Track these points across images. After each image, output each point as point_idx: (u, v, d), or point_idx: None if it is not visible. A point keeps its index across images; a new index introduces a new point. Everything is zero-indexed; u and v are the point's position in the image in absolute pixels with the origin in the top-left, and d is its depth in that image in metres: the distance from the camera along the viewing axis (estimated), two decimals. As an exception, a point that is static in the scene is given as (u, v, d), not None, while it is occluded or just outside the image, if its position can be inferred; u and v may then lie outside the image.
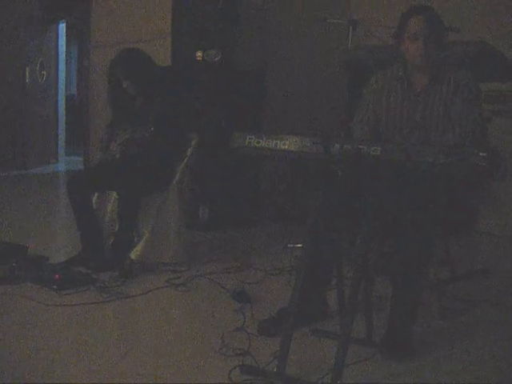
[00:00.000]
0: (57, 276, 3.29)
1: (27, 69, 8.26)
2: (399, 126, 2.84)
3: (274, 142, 2.34)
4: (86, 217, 3.72)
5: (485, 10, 4.62)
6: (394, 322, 2.65)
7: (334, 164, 2.29)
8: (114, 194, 3.81)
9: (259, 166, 5.18)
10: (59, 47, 9.09)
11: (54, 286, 3.24)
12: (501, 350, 2.68)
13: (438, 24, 2.76)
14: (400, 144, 2.24)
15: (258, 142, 2.37)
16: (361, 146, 2.20)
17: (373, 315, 2.58)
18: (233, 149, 2.44)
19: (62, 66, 9.21)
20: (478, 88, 2.79)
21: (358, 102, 2.99)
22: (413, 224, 2.58)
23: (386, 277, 2.82)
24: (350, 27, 4.36)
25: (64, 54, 9.29)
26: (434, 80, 2.79)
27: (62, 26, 9.05)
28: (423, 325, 2.83)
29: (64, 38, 9.18)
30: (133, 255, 3.64)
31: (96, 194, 3.87)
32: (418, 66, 2.79)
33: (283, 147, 2.33)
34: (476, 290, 3.38)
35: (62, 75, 9.22)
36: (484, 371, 2.48)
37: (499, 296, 3.34)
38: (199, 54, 4.86)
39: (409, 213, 2.57)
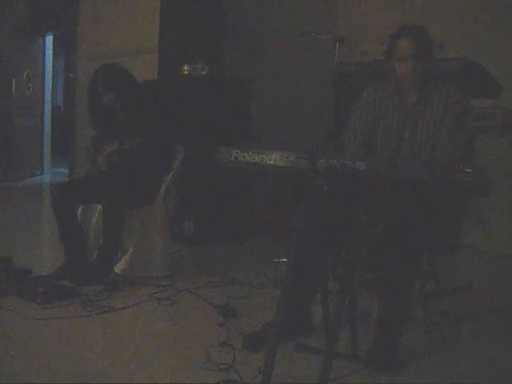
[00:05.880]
0: (40, 289, 3.26)
1: (14, 80, 8.24)
2: (388, 139, 2.89)
3: (260, 156, 2.35)
4: (70, 229, 3.70)
5: (468, 26, 4.67)
6: (381, 334, 2.65)
7: (319, 178, 2.30)
8: (99, 206, 3.80)
9: (245, 181, 5.19)
10: (46, 59, 9.06)
11: (38, 300, 3.21)
12: (484, 363, 2.69)
13: (426, 42, 2.83)
14: (385, 159, 2.26)
15: (244, 157, 2.38)
16: (346, 161, 2.21)
17: (358, 329, 2.58)
18: (219, 163, 2.45)
19: (48, 78, 9.18)
20: (469, 105, 2.85)
21: (349, 116, 3.01)
22: (400, 238, 2.59)
23: (371, 290, 2.82)
24: (337, 43, 4.40)
25: (51, 66, 9.26)
26: (423, 96, 2.84)
27: (49, 38, 9.03)
28: (408, 338, 2.83)
29: (51, 50, 9.16)
30: (117, 269, 3.62)
31: (81, 207, 3.85)
32: (407, 84, 2.86)
33: (269, 162, 2.34)
34: (460, 304, 3.39)
35: (48, 87, 9.20)
36: (468, 383, 2.49)
37: (482, 310, 3.36)
38: (186, 67, 4.87)
39: (395, 227, 2.58)
